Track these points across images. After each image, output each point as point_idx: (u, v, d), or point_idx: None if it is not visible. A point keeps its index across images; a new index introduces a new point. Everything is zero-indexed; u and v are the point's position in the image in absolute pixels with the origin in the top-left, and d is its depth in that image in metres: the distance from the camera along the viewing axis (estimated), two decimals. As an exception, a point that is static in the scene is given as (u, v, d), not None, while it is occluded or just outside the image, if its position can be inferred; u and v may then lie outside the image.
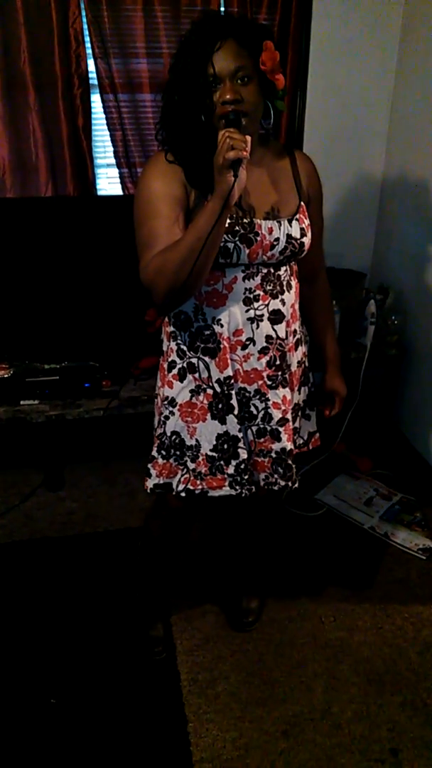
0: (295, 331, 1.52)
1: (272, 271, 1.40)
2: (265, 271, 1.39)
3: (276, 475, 1.55)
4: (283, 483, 1.55)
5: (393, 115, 2.79)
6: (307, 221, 1.42)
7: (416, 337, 2.77)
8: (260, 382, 1.47)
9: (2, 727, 1.65)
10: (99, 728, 1.65)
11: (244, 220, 1.33)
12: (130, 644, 1.88)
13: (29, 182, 2.60)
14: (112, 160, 2.66)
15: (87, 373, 2.51)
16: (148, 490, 1.56)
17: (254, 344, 1.43)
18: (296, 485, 1.58)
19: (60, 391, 2.46)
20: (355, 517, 2.46)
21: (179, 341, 1.48)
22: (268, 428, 1.51)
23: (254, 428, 1.51)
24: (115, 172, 2.69)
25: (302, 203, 1.43)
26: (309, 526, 2.41)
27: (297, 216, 1.40)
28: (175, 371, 1.49)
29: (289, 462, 1.54)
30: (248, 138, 1.16)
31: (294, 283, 1.47)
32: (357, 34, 2.62)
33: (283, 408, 1.50)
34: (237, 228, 1.31)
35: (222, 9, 2.51)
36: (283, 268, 1.42)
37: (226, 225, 1.28)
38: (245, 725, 1.66)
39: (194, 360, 1.46)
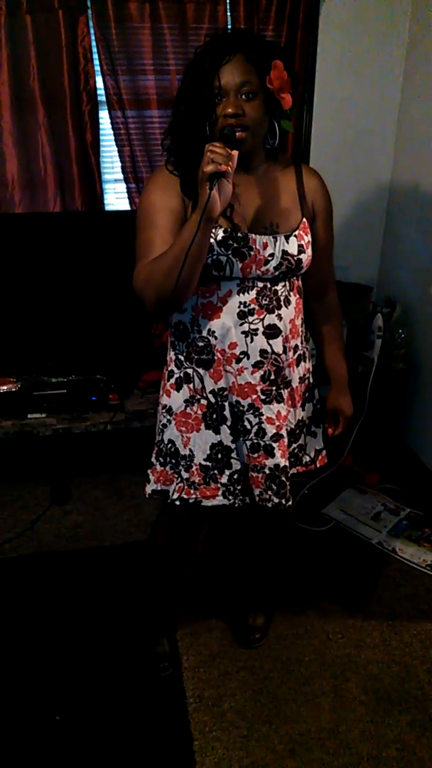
0: (296, 346, 1.50)
1: (269, 286, 1.39)
2: (261, 285, 1.39)
3: (270, 492, 1.53)
4: (276, 500, 1.54)
5: (400, 127, 2.80)
6: (307, 238, 1.41)
7: (424, 350, 2.76)
8: (254, 397, 1.46)
9: (7, 742, 1.64)
10: (104, 745, 1.63)
11: (238, 234, 1.33)
12: (136, 660, 1.87)
13: (38, 197, 2.62)
14: (120, 176, 2.68)
15: (94, 387, 2.52)
16: (147, 496, 1.60)
17: (248, 358, 1.42)
18: (290, 503, 1.56)
19: (67, 405, 2.47)
20: (362, 532, 2.44)
21: (177, 351, 1.50)
22: (262, 443, 1.50)
23: (248, 443, 1.51)
24: (122, 187, 2.71)
25: (304, 219, 1.42)
26: (316, 541, 2.40)
27: (296, 232, 1.39)
28: (172, 380, 1.51)
29: (283, 479, 1.53)
30: (234, 153, 1.17)
31: (294, 298, 1.46)
32: (363, 48, 2.64)
33: (277, 423, 1.49)
34: (230, 242, 1.32)
35: (229, 25, 2.53)
36: (281, 284, 1.41)
37: (219, 238, 1.31)
38: (252, 744, 1.64)
39: (189, 371, 1.47)
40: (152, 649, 1.88)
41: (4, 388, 2.47)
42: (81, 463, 2.80)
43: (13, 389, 2.48)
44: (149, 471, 1.60)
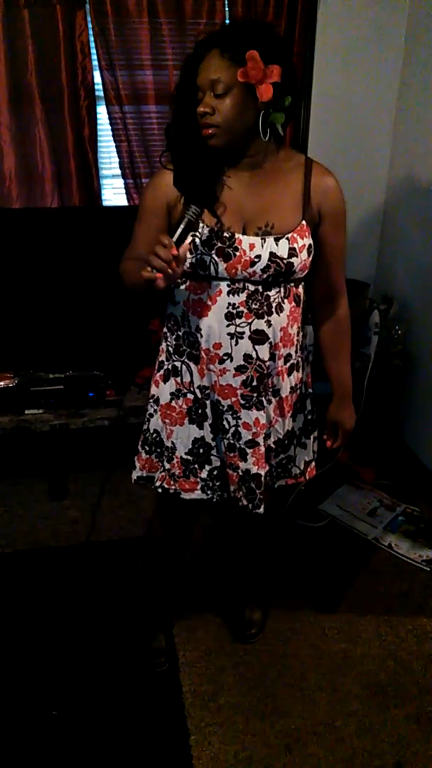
0: (288, 355, 1.45)
1: (260, 290, 1.35)
2: (252, 288, 1.35)
3: (240, 492, 1.53)
4: (245, 503, 1.53)
5: (397, 122, 2.80)
6: (303, 241, 1.34)
7: (420, 347, 2.76)
8: (233, 399, 1.44)
9: (3, 738, 1.65)
10: (100, 740, 1.64)
11: (225, 234, 1.31)
12: (133, 655, 1.88)
13: (35, 193, 2.62)
14: (117, 171, 2.68)
15: (91, 383, 2.52)
16: (133, 482, 1.62)
17: (231, 360, 1.40)
18: (260, 510, 1.53)
19: (64, 401, 2.47)
20: (358, 528, 2.45)
21: (168, 342, 1.50)
22: (237, 445, 1.49)
23: (226, 441, 1.50)
24: (120, 182, 2.71)
25: (304, 222, 1.36)
26: (312, 537, 2.40)
27: (290, 234, 1.33)
28: (161, 371, 1.52)
29: (252, 486, 1.50)
30: (184, 248, 1.20)
31: (288, 306, 1.40)
32: (361, 42, 2.64)
33: (253, 431, 1.46)
34: (214, 241, 1.30)
35: (227, 20, 2.52)
36: (274, 289, 1.36)
37: (204, 237, 1.31)
38: (248, 738, 1.65)
39: (178, 363, 1.47)
40: (149, 644, 1.89)
41: (1, 383, 2.47)
42: (78, 459, 2.80)
43: (10, 385, 2.48)
44: (135, 458, 1.62)
